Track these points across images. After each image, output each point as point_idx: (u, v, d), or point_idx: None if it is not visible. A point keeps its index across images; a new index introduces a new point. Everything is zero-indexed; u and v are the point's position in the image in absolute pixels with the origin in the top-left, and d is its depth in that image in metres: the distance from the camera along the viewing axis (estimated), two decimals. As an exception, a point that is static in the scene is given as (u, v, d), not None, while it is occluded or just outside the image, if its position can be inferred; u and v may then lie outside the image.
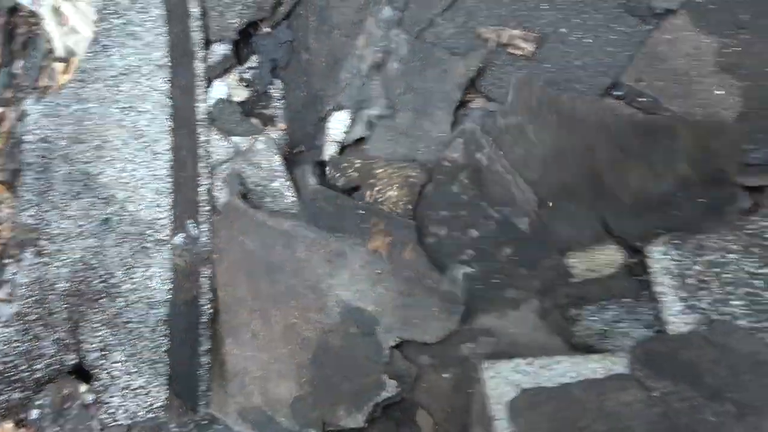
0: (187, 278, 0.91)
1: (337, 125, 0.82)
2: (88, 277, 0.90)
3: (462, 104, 0.70)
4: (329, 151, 0.84)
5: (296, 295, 0.75)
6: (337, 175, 0.84)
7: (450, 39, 0.70)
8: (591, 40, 0.62)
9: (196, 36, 0.93)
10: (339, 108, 0.82)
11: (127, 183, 0.93)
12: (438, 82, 0.69)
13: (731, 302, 0.55)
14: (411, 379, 0.73)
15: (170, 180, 0.93)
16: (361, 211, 0.72)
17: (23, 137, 0.94)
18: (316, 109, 0.84)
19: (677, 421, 0.53)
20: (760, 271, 0.54)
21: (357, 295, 0.75)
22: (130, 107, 0.96)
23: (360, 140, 0.80)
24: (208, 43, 0.94)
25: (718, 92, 0.58)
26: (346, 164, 0.83)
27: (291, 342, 0.79)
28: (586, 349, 0.64)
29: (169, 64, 0.94)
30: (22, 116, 0.99)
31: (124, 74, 0.97)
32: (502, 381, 0.61)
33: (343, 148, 0.82)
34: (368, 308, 0.74)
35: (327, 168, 0.85)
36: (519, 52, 0.64)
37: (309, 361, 0.77)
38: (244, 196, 0.86)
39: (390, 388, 0.71)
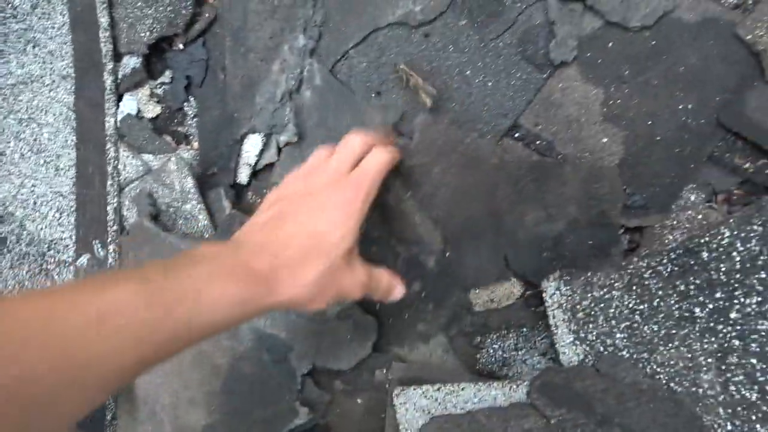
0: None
1: (251, 148, 0.82)
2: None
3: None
4: (243, 174, 0.83)
5: (206, 323, 0.73)
6: (258, 201, 0.84)
7: (363, 73, 0.71)
8: (492, 84, 0.65)
9: (105, 47, 0.89)
10: (253, 131, 0.81)
11: (26, 200, 0.88)
12: (352, 126, 0.70)
13: (615, 335, 0.60)
14: (324, 405, 0.74)
15: (74, 198, 0.88)
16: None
17: None
18: (231, 131, 0.83)
19: None
20: (639, 307, 0.59)
21: (269, 322, 0.75)
22: (29, 119, 0.90)
23: (271, 165, 0.80)
24: (118, 56, 0.90)
25: (603, 140, 0.62)
26: (266, 190, 0.82)
27: (202, 369, 0.77)
28: (490, 375, 0.68)
29: (74, 75, 0.89)
30: None
31: (24, 83, 0.91)
32: (412, 407, 0.63)
33: (255, 172, 0.82)
34: (281, 335, 0.74)
35: (249, 193, 0.84)
36: (420, 102, 0.67)
37: (220, 388, 0.76)
38: (155, 217, 0.84)
39: (302, 415, 0.72)
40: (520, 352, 0.67)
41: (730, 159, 0.60)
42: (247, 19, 0.80)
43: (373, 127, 0.70)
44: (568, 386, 0.59)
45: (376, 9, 0.69)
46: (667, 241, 0.62)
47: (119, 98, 0.91)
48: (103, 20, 0.88)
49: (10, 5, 0.90)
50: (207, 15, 0.85)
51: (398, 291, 0.60)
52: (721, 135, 0.59)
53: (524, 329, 0.66)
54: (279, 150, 0.80)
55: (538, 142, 0.65)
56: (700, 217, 0.61)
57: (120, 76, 0.91)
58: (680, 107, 0.60)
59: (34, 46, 0.90)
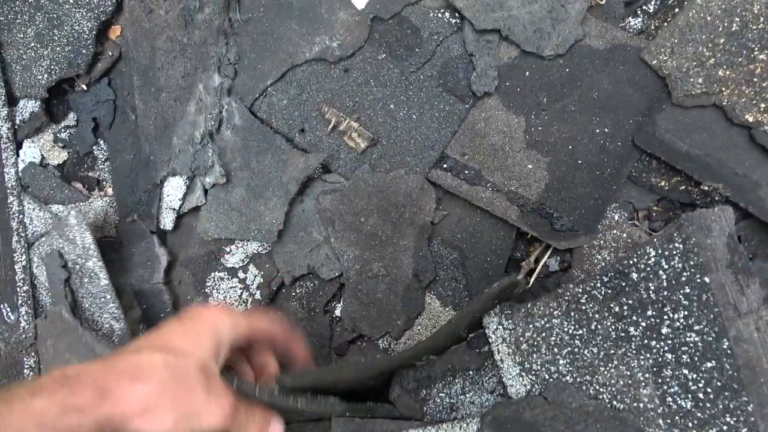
0: (5, 373, 0.79)
1: (173, 192, 0.77)
2: None
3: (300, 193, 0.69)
4: (167, 219, 0.78)
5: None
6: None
7: (284, 110, 0.69)
8: (417, 117, 0.64)
9: (-3, 92, 0.81)
10: (174, 174, 0.76)
11: None
12: (275, 171, 0.68)
13: (558, 362, 0.61)
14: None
15: (-25, 260, 0.80)
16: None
17: None
18: (148, 174, 0.78)
19: None
20: (578, 332, 0.60)
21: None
22: None
23: (197, 208, 0.76)
24: (13, 100, 0.82)
25: (528, 166, 0.63)
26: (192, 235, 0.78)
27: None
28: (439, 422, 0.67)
29: (-36, 125, 0.81)
30: None
31: None
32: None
33: (179, 216, 0.77)
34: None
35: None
36: (352, 144, 0.65)
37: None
38: (74, 307, 0.76)
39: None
40: (468, 395, 0.67)
41: (647, 178, 0.62)
42: (155, 58, 0.75)
43: (295, 170, 0.67)
44: (518, 418, 0.60)
45: (291, 45, 0.67)
46: (596, 260, 0.64)
47: (18, 146, 0.84)
48: (-7, 63, 0.80)
49: None
50: (110, 53, 0.79)
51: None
52: (637, 156, 0.62)
53: (470, 372, 0.66)
54: (205, 192, 0.76)
55: (466, 172, 0.65)
56: (624, 235, 0.63)
57: (17, 122, 0.84)
58: (597, 131, 0.61)
59: None
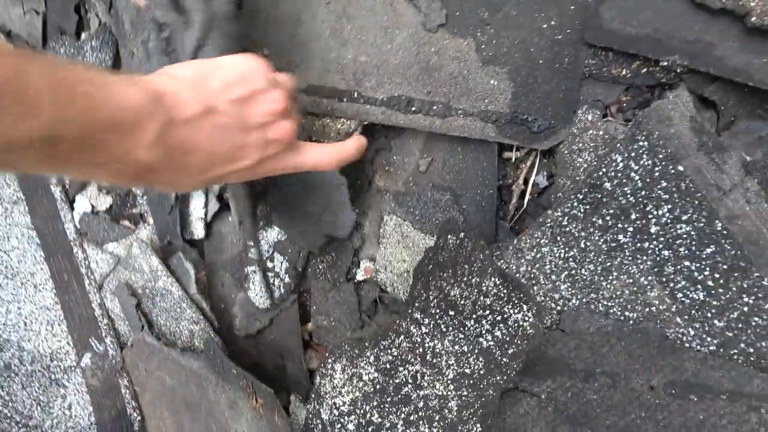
0: (107, 395, 0.90)
1: (197, 204, 0.85)
2: (6, 429, 0.89)
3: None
4: (197, 229, 0.86)
5: (215, 435, 0.75)
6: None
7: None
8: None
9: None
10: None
11: (17, 323, 0.93)
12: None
13: (560, 288, 0.60)
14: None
15: (59, 307, 0.93)
16: (233, 371, 0.74)
17: None
18: (169, 196, 0.87)
19: (569, 412, 0.58)
20: (569, 254, 0.60)
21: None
22: (-3, 249, 0.96)
23: (218, 214, 0.84)
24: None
25: (491, 82, 0.64)
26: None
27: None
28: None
29: (24, 197, 0.95)
30: None
31: (-18, 219, 0.97)
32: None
33: (208, 225, 0.85)
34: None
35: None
36: None
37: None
38: (149, 326, 0.87)
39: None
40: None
41: (607, 72, 0.61)
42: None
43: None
44: (543, 356, 0.60)
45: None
46: (578, 164, 0.63)
47: (72, 202, 0.97)
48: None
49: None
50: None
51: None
52: (591, 53, 0.61)
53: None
54: (220, 198, 0.84)
55: (435, 108, 0.67)
56: (601, 132, 0.61)
57: (67, 184, 0.96)
58: (544, 26, 0.61)
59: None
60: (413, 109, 0.68)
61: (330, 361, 0.70)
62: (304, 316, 0.82)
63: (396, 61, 0.67)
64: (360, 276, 0.76)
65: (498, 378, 0.58)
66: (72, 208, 0.96)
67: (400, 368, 0.64)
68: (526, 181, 0.67)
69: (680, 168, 0.54)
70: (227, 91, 0.44)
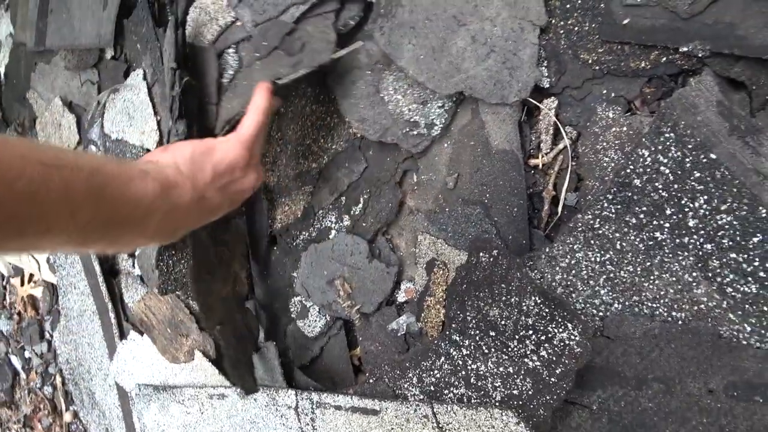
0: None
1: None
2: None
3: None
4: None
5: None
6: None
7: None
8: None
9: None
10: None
11: None
12: None
13: (599, 293, 0.58)
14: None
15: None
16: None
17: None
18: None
19: (624, 422, 0.56)
20: (605, 257, 0.57)
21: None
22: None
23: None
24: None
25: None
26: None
27: None
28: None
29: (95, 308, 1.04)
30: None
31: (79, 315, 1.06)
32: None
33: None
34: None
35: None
36: None
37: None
38: None
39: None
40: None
41: (625, 66, 0.59)
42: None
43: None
44: (590, 365, 0.57)
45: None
46: (605, 163, 0.61)
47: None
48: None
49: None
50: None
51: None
52: (606, 49, 0.60)
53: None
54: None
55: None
56: (625, 128, 0.59)
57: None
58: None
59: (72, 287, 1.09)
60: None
61: (371, 381, 0.70)
62: (352, 341, 0.83)
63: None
64: (401, 298, 0.77)
65: (548, 398, 0.56)
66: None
67: (445, 391, 0.63)
68: (555, 187, 0.66)
69: (713, 156, 0.51)
70: (216, 179, 0.56)
